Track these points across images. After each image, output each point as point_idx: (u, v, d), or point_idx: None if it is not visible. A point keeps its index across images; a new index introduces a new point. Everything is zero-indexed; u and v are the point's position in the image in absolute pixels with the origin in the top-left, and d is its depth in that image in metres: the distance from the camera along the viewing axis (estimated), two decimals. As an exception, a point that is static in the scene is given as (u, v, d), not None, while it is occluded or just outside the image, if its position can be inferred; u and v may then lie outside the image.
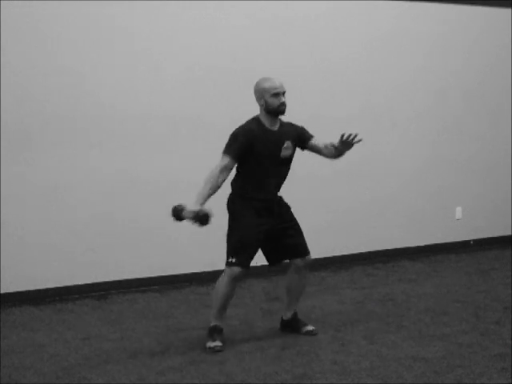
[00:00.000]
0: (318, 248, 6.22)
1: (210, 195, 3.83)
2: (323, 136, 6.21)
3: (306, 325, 4.25)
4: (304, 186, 6.03)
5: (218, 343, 3.93)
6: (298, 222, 4.23)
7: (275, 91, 3.90)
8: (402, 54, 6.62)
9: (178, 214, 3.81)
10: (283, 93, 3.94)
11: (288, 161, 4.07)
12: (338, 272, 6.03)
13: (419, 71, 6.71)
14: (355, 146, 4.04)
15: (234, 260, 3.90)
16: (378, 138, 6.45)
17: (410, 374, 3.52)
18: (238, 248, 3.91)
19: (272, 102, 3.90)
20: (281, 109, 3.94)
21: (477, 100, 7.09)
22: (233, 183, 4.06)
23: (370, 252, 6.53)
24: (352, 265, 6.26)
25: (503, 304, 4.84)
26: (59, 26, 5.16)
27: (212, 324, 4.01)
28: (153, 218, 5.55)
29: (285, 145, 3.98)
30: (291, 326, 4.25)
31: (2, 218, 5.04)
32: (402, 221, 6.69)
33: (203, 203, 3.80)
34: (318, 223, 6.17)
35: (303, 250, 4.15)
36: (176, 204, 3.85)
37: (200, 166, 5.63)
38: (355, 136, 3.91)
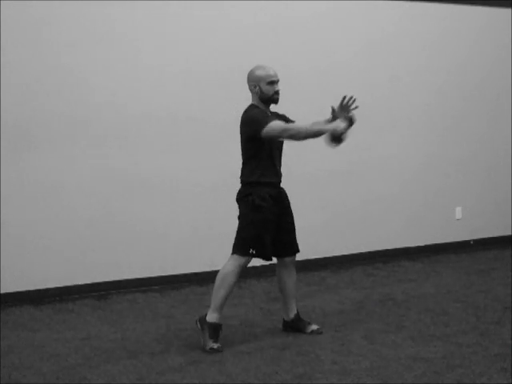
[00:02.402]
0: (317, 248, 6.26)
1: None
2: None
3: (309, 324, 4.25)
4: (304, 186, 6.04)
5: (219, 344, 3.92)
6: (298, 221, 4.24)
7: (270, 79, 3.92)
8: (402, 53, 6.62)
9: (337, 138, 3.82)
10: (277, 81, 3.96)
11: (282, 145, 4.10)
12: (338, 272, 6.03)
13: (419, 71, 6.71)
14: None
15: (254, 251, 3.91)
16: (378, 138, 6.45)
17: (410, 374, 3.51)
18: (257, 242, 3.92)
19: (267, 91, 3.92)
20: (275, 97, 3.96)
21: (477, 100, 7.10)
22: (246, 173, 4.01)
23: (369, 252, 6.53)
24: (352, 265, 6.26)
25: (503, 304, 4.84)
26: (59, 26, 5.16)
27: (213, 321, 3.95)
28: (153, 218, 5.55)
29: None
30: (295, 327, 4.24)
31: (2, 218, 5.04)
32: (401, 221, 6.69)
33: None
34: (317, 223, 6.18)
35: (295, 248, 4.18)
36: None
37: (201, 165, 5.66)
38: (354, 100, 3.93)
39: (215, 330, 3.94)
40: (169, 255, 5.66)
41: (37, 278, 5.19)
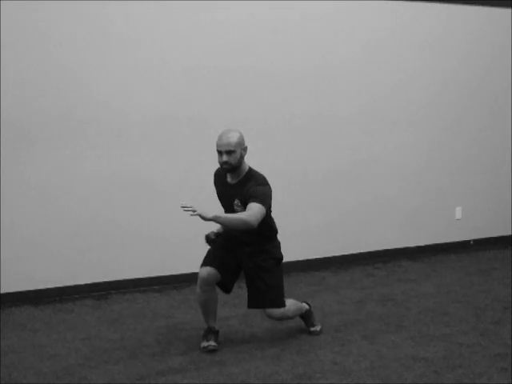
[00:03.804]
0: (317, 248, 6.26)
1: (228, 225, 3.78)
2: (324, 135, 6.22)
3: (312, 325, 4.26)
4: (304, 186, 6.04)
5: (211, 343, 3.95)
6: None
7: (217, 148, 3.80)
8: (402, 53, 6.61)
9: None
10: (227, 152, 3.74)
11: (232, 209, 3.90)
12: (338, 272, 6.03)
13: (419, 71, 6.71)
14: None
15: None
16: (378, 138, 6.45)
17: (410, 374, 3.52)
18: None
19: (218, 158, 3.83)
20: (223, 167, 3.82)
21: (477, 100, 7.09)
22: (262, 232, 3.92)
23: (369, 252, 6.53)
24: (352, 265, 6.26)
25: (503, 304, 4.84)
26: (58, 27, 5.14)
27: (207, 325, 4.08)
28: (153, 219, 5.55)
29: (235, 201, 3.85)
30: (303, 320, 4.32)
31: (2, 218, 5.04)
32: (402, 221, 6.69)
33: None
34: (317, 223, 6.17)
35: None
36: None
37: (199, 167, 5.66)
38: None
39: (206, 332, 4.05)
40: (169, 255, 5.66)
41: (37, 277, 5.19)
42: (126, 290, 5.47)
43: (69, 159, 5.25)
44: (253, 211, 3.61)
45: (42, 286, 5.20)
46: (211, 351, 3.91)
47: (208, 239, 4.07)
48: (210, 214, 3.52)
